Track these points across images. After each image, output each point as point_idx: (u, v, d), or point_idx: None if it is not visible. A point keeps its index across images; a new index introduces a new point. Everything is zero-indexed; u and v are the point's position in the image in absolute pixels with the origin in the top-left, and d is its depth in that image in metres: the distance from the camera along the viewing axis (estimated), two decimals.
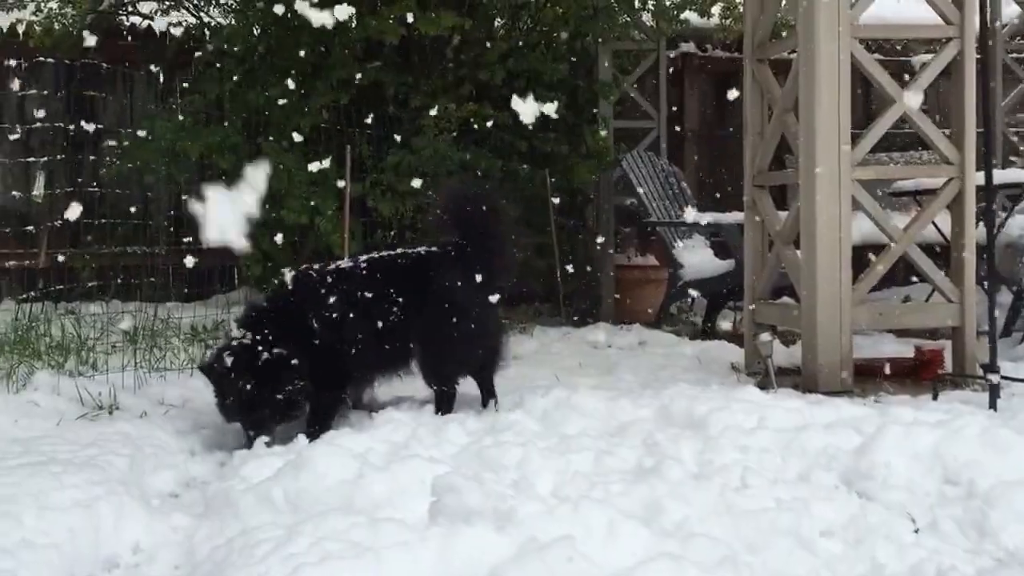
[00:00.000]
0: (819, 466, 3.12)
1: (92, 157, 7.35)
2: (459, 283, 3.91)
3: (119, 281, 5.82)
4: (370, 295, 3.91)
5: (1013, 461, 2.99)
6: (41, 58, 6.46)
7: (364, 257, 4.18)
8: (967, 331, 4.79)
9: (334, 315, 3.84)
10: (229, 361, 3.68)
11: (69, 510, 2.71)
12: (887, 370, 4.84)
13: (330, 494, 2.75)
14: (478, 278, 3.90)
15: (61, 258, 6.37)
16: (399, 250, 4.28)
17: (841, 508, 2.82)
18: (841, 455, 3.21)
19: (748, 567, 2.44)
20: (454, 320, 3.91)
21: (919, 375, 4.89)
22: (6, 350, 4.74)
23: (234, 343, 3.75)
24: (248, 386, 3.63)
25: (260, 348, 3.68)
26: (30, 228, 6.85)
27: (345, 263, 4.13)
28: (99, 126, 7.43)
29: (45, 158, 7.38)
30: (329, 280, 3.94)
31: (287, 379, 3.68)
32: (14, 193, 6.60)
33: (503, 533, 2.44)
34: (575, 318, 7.05)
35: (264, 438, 3.57)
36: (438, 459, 3.07)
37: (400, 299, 3.93)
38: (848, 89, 4.61)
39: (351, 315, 3.86)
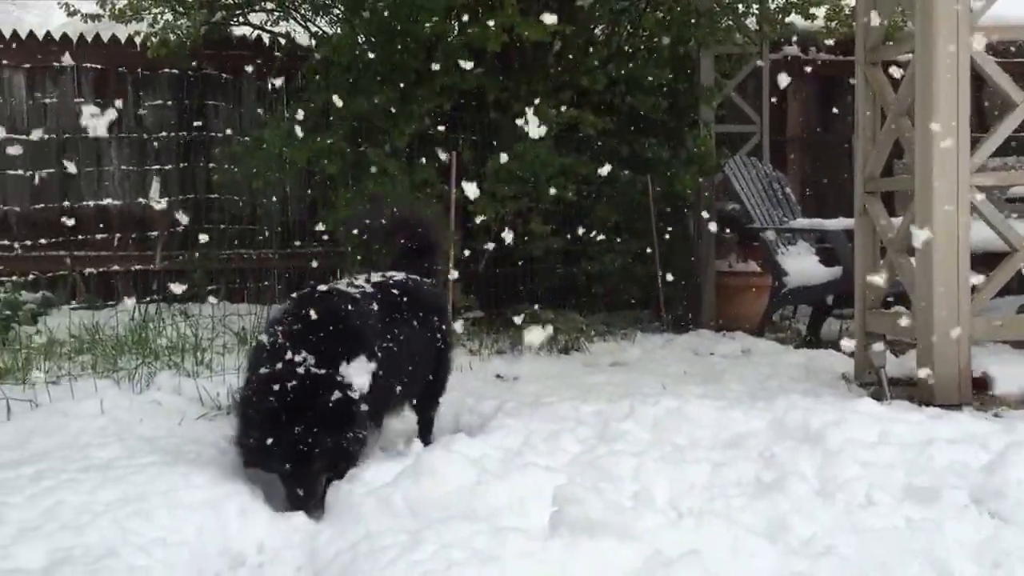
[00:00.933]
0: (947, 484, 3.01)
1: (211, 164, 7.55)
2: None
3: (236, 284, 5.94)
4: (407, 317, 3.52)
5: None
6: (166, 69, 6.70)
7: (375, 278, 3.63)
8: None
9: (394, 336, 3.40)
10: (283, 393, 2.92)
11: (198, 509, 2.78)
12: None
13: (450, 500, 2.76)
14: None
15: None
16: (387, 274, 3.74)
17: (974, 529, 2.72)
18: (969, 472, 3.10)
19: None
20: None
21: None
22: (125, 351, 4.90)
23: (289, 365, 2.98)
24: (305, 430, 2.91)
25: (325, 377, 2.98)
26: (154, 233, 7.08)
27: (363, 282, 3.56)
28: (212, 134, 7.67)
29: (169, 166, 7.61)
30: (382, 295, 3.47)
31: (354, 420, 2.99)
32: (140, 200, 6.84)
33: (627, 546, 2.42)
34: (676, 325, 6.98)
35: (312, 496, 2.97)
36: (554, 468, 3.06)
37: (424, 321, 3.64)
38: (968, 93, 4.46)
39: (402, 337, 3.45)
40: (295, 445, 2.91)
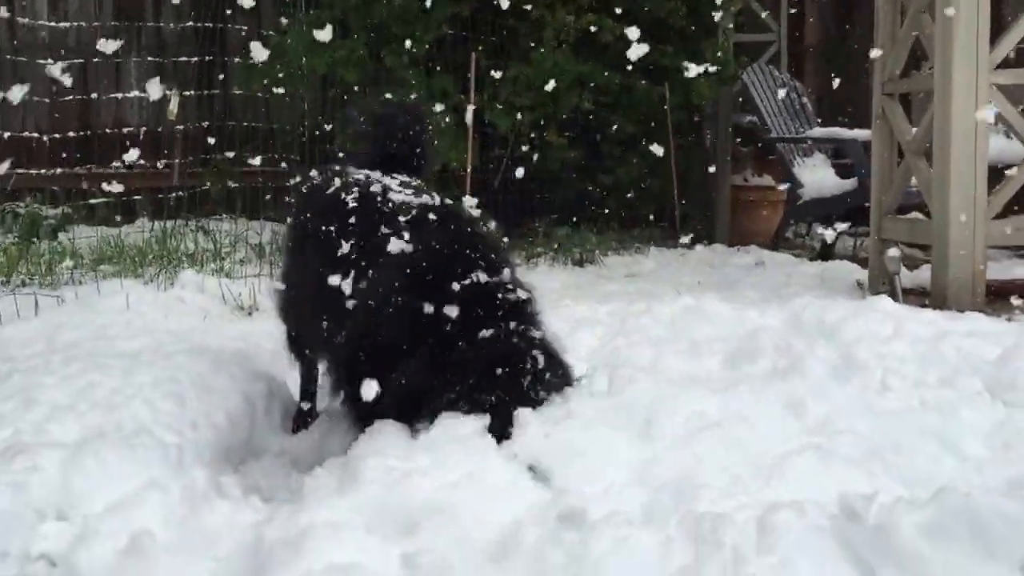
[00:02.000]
0: (960, 373, 3.04)
1: (235, 59, 7.44)
2: None
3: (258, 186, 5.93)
4: None
5: None
6: None
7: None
8: None
9: None
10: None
11: (227, 395, 2.85)
12: (1022, 291, 4.67)
13: None
14: None
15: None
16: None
17: (986, 414, 2.76)
18: (983, 365, 3.12)
19: (895, 467, 2.42)
20: None
21: None
22: (150, 258, 4.95)
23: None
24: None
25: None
26: (177, 129, 6.85)
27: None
28: (235, 27, 7.55)
29: (190, 58, 7.49)
30: None
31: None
32: (164, 95, 6.69)
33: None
34: (690, 239, 6.99)
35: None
36: (578, 357, 3.11)
37: None
38: None
39: None
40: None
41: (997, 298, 4.62)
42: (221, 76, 7.51)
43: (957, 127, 4.37)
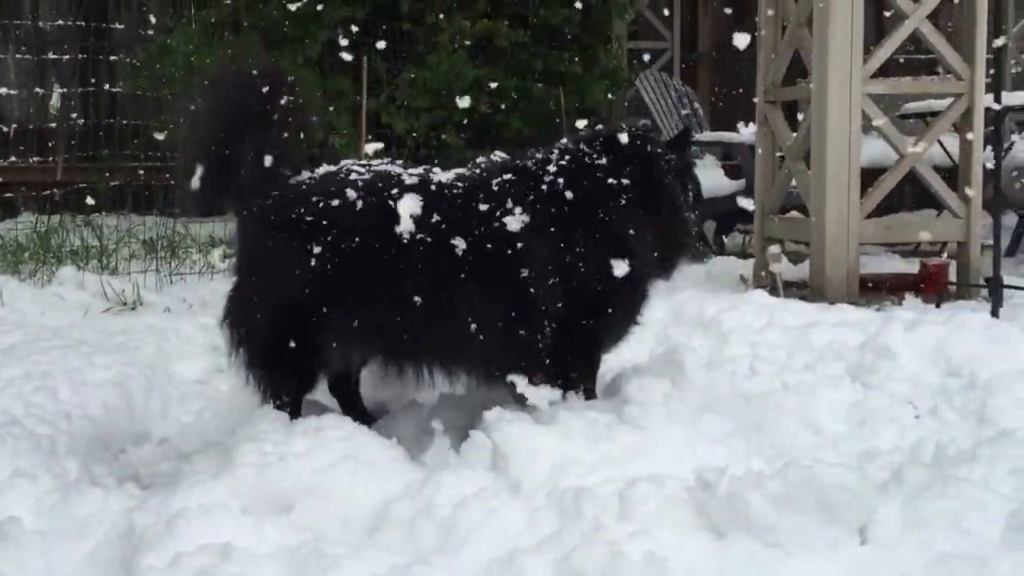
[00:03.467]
0: (824, 359, 3.20)
1: (118, 56, 7.24)
2: None
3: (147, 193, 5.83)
4: None
5: (1015, 354, 3.07)
6: None
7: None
8: (972, 245, 4.86)
9: None
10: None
11: (102, 387, 2.82)
12: (892, 284, 4.91)
13: None
14: None
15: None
16: None
17: (845, 395, 2.93)
18: (846, 351, 3.29)
19: (757, 444, 2.54)
20: None
21: (923, 289, 4.95)
22: (28, 255, 4.82)
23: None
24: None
25: None
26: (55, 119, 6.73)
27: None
28: (118, 26, 7.36)
29: (67, 54, 7.27)
30: None
31: None
32: (52, 98, 6.52)
33: None
34: None
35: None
36: None
37: None
38: (861, 2, 4.62)
39: None
40: None
41: (870, 290, 4.85)
42: (105, 73, 7.33)
43: (832, 134, 4.59)
